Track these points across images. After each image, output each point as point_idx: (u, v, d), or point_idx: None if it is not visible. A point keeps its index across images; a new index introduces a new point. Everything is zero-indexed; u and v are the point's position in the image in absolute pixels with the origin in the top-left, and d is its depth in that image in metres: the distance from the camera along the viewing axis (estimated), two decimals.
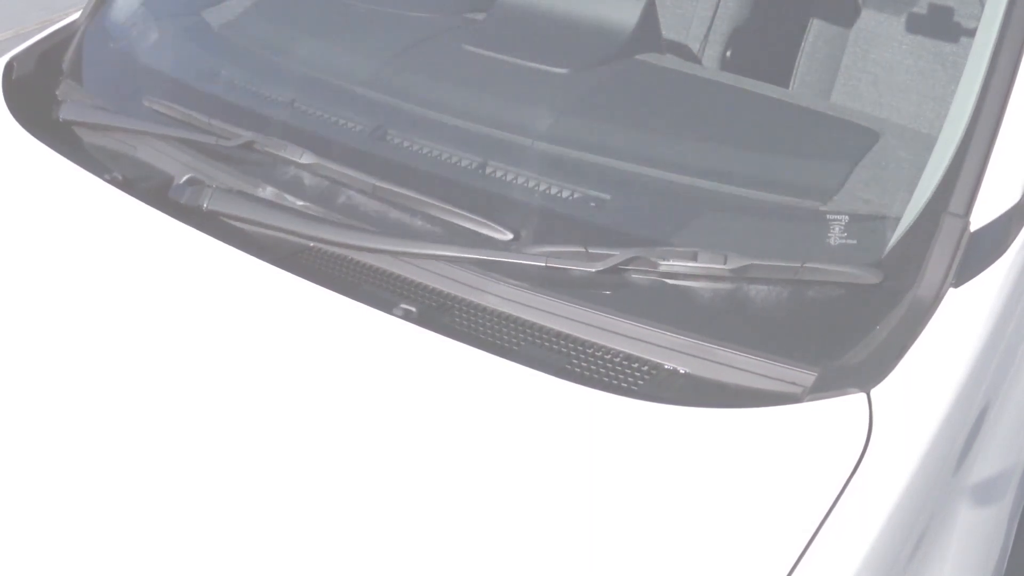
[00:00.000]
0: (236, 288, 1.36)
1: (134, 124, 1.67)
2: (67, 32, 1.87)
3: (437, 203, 1.40)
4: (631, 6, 1.72)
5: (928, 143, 1.34)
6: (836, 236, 1.30)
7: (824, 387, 1.13)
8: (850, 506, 1.03)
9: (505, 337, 1.27)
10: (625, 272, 1.28)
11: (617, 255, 1.27)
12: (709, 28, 2.16)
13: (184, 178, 1.53)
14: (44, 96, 1.77)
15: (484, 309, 1.31)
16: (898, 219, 1.28)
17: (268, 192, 1.50)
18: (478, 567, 1.04)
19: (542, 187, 1.43)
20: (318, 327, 1.29)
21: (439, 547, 1.05)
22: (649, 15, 1.74)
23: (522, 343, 1.26)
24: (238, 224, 1.47)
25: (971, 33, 1.50)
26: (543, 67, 1.64)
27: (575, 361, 1.24)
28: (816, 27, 2.02)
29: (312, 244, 1.43)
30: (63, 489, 1.15)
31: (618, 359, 1.24)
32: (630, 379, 1.21)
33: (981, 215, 1.23)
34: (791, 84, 2.00)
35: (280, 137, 1.54)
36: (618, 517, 1.06)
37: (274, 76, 1.74)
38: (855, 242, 1.29)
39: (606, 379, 1.21)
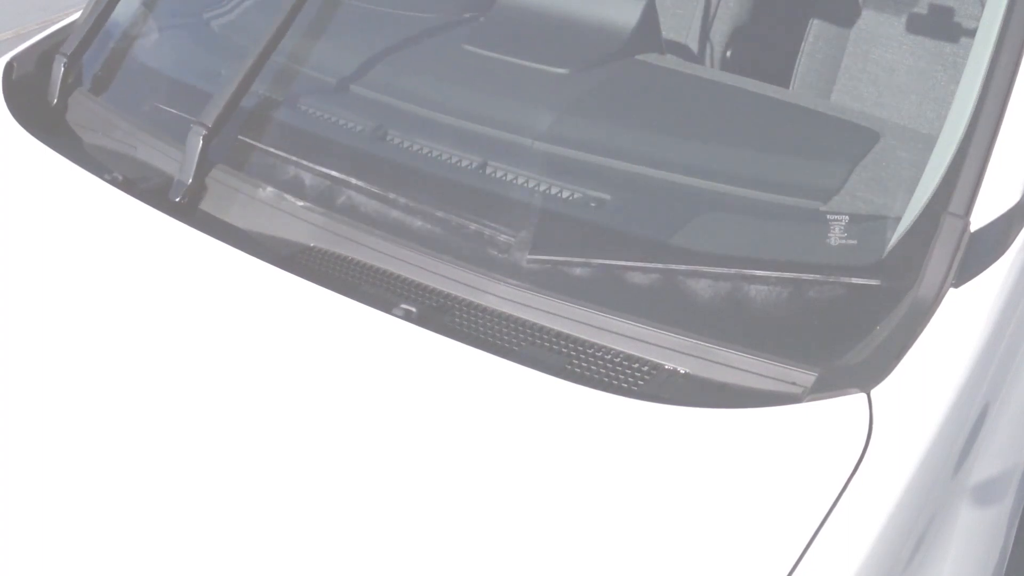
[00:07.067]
0: (236, 288, 1.36)
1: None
2: (67, 32, 1.87)
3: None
4: (631, 6, 1.72)
5: (928, 143, 1.34)
6: (836, 236, 1.30)
7: (824, 387, 1.13)
8: (850, 506, 1.03)
9: (505, 337, 1.27)
10: (625, 272, 1.28)
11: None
12: (709, 28, 2.16)
13: (184, 178, 1.53)
14: (44, 96, 1.77)
15: (484, 309, 1.31)
16: (898, 219, 1.28)
17: (268, 192, 1.50)
18: (478, 567, 1.03)
19: (542, 187, 1.43)
20: (318, 327, 1.29)
21: (439, 547, 1.05)
22: (649, 15, 1.73)
23: (522, 343, 1.26)
24: (238, 224, 1.47)
25: (971, 33, 1.50)
26: (543, 67, 1.64)
27: (575, 361, 1.24)
28: (816, 27, 2.01)
29: (312, 244, 1.43)
30: (63, 489, 1.15)
31: (618, 359, 1.24)
32: (630, 379, 1.21)
33: (981, 215, 1.23)
34: (791, 84, 2.00)
35: (280, 137, 1.54)
36: (618, 517, 1.06)
37: (274, 76, 1.74)
38: (855, 242, 1.29)
39: (606, 379, 1.21)
